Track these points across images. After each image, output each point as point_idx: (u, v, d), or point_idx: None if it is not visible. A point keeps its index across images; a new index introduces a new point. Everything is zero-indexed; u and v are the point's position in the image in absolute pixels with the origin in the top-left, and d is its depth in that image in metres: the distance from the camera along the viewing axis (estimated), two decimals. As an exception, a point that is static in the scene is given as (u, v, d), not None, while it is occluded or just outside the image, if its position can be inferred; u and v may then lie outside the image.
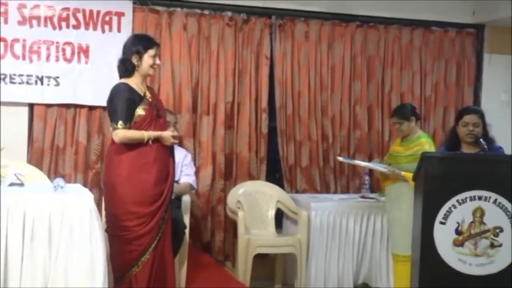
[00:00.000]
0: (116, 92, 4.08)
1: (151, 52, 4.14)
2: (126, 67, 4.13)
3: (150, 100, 4.15)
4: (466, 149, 4.33)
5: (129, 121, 4.04)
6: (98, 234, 3.69)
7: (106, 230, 4.23)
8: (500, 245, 3.87)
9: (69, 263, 3.66)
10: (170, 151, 4.23)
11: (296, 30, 6.12)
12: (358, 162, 5.15)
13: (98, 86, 5.40)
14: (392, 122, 5.13)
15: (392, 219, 5.01)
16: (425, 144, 4.91)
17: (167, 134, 4.15)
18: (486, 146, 4.17)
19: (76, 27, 5.53)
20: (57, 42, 5.48)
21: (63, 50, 5.49)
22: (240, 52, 5.99)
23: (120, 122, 4.01)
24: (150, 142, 4.07)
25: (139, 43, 4.15)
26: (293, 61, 6.13)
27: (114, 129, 4.04)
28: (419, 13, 6.40)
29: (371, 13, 6.31)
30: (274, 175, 6.35)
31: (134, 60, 4.12)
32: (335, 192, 6.22)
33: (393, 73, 6.40)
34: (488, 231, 3.87)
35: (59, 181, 4.00)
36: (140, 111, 4.08)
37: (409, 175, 4.77)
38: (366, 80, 6.32)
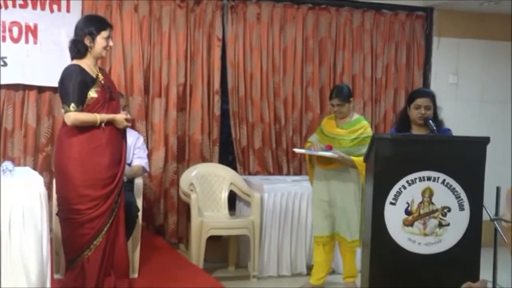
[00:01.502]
0: (67, 74, 4.00)
1: (104, 34, 4.06)
2: (78, 49, 4.04)
3: (102, 82, 4.08)
4: (416, 131, 4.40)
5: (81, 104, 3.97)
6: (46, 218, 3.66)
7: (57, 214, 4.18)
8: (448, 225, 3.96)
9: (24, 246, 3.62)
10: (123, 134, 4.18)
11: (248, 12, 6.11)
12: (313, 152, 5.11)
13: (48, 66, 5.32)
14: (333, 104, 5.12)
15: (339, 205, 5.04)
16: (367, 127, 5.06)
17: (120, 117, 4.09)
18: (435, 128, 4.24)
19: (23, 6, 5.41)
20: (4, 22, 5.35)
21: (10, 30, 5.38)
22: (192, 34, 5.95)
23: (72, 105, 3.94)
24: (102, 125, 4.01)
25: (92, 25, 4.07)
26: (245, 43, 6.12)
27: (66, 111, 3.96)
28: (370, -5, 6.47)
29: (323, -4, 6.35)
30: (227, 157, 6.36)
31: (87, 41, 4.04)
32: (288, 174, 6.27)
33: (345, 55, 6.45)
34: (436, 211, 3.95)
35: (8, 164, 3.93)
36: (92, 93, 4.01)
37: (357, 160, 4.87)
38: (318, 62, 6.35)
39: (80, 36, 4.04)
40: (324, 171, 5.09)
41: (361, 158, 4.89)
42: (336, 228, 5.11)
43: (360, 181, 5.00)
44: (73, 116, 3.95)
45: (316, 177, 5.17)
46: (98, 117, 3.99)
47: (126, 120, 4.13)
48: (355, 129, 5.01)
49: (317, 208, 5.18)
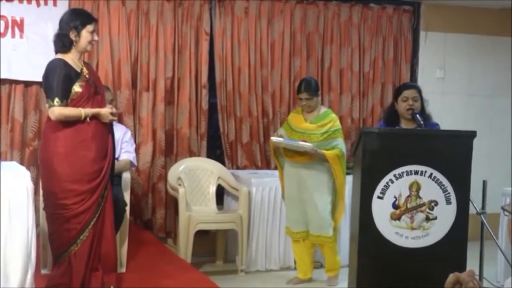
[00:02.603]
0: (51, 68, 3.97)
1: (90, 28, 4.04)
2: (63, 43, 4.02)
3: (87, 76, 4.06)
4: (404, 125, 4.41)
5: (66, 98, 3.94)
6: (32, 213, 3.65)
7: (44, 209, 4.16)
8: (435, 218, 3.97)
9: (8, 241, 3.60)
10: (109, 128, 4.16)
11: (235, 6, 6.10)
12: (290, 141, 5.09)
13: (35, 61, 5.28)
14: (301, 98, 5.11)
15: (310, 201, 5.05)
16: (336, 120, 5.10)
17: (105, 111, 4.07)
18: (422, 122, 4.25)
19: (9, 0, 5.36)
20: (-11, 16, 5.33)
21: (-4, 24, 5.34)
22: (179, 27, 5.94)
23: (56, 99, 3.91)
24: (87, 119, 3.99)
25: (77, 19, 4.04)
26: (233, 37, 6.11)
27: (50, 106, 3.94)
28: (358, -11, 6.47)
29: (311, -10, 6.34)
30: (215, 152, 6.36)
31: (72, 35, 4.01)
32: (276, 168, 6.25)
33: (333, 49, 6.46)
34: (423, 204, 3.97)
35: (-6, 159, 3.90)
36: (77, 88, 3.98)
37: (328, 153, 4.90)
38: (305, 56, 6.36)
39: (65, 30, 4.01)
40: (295, 166, 5.08)
41: (332, 152, 4.94)
42: (308, 225, 5.12)
43: (332, 174, 5.03)
44: (57, 111, 3.92)
45: (287, 173, 5.18)
46: (83, 111, 3.96)
47: (112, 114, 4.11)
48: (324, 123, 5.04)
49: (291, 204, 5.20)
